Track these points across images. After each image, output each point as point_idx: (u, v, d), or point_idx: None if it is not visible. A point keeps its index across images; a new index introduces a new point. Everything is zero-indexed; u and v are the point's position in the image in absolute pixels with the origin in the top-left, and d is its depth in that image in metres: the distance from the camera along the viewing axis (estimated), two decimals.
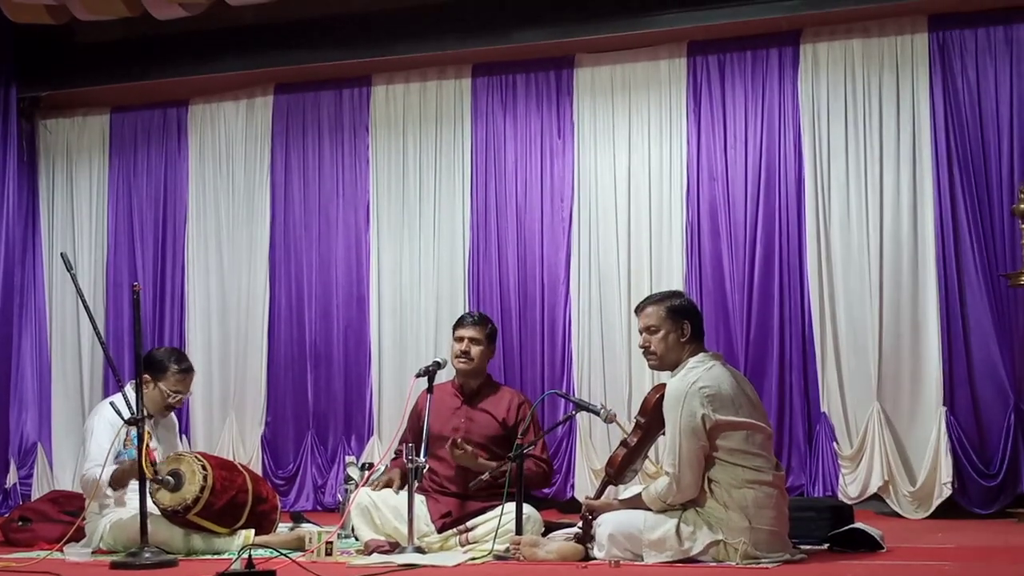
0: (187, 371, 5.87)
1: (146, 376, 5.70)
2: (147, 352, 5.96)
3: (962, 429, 6.98)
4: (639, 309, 5.02)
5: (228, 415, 8.39)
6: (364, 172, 8.30)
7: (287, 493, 8.06)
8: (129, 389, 5.34)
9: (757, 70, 7.55)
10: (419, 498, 5.35)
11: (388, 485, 5.52)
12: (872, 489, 7.07)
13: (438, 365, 5.57)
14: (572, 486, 7.62)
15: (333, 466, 8.07)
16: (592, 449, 7.59)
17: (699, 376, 4.74)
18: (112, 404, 5.46)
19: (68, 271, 5.39)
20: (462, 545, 5.30)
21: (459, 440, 5.39)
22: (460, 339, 5.65)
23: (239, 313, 8.45)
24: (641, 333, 4.98)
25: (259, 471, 7.91)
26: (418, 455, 5.18)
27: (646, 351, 4.95)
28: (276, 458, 8.28)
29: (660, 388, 4.86)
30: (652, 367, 5.03)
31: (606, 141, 7.83)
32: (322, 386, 8.25)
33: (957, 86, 7.17)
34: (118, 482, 5.50)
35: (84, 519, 5.63)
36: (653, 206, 7.68)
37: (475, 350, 5.62)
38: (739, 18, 7.38)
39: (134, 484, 5.39)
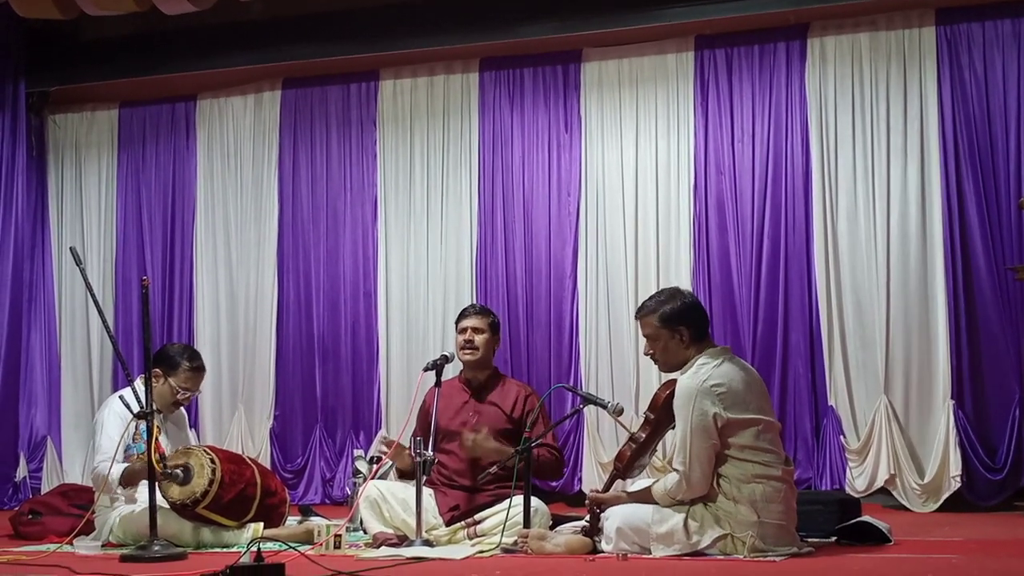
0: (198, 369, 5.87)
1: (157, 370, 5.71)
2: (160, 347, 5.98)
3: (968, 422, 6.98)
4: (637, 316, 5.05)
5: (237, 409, 8.41)
6: (372, 167, 8.31)
7: (295, 486, 8.08)
8: (139, 383, 5.37)
9: (764, 64, 7.55)
10: (427, 491, 5.36)
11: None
12: (879, 483, 7.07)
13: (446, 359, 5.59)
14: (580, 479, 7.63)
15: (341, 459, 8.08)
16: (600, 443, 7.60)
17: (709, 374, 4.74)
18: (121, 397, 5.47)
19: (77, 266, 5.40)
20: (470, 538, 5.30)
21: (472, 432, 5.42)
22: (463, 330, 5.65)
23: (247, 307, 8.46)
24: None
25: (267, 465, 7.91)
26: (426, 449, 5.20)
27: (652, 357, 4.97)
28: (284, 452, 8.30)
29: (670, 384, 4.87)
30: (661, 370, 5.04)
31: (613, 135, 7.83)
32: (330, 380, 8.26)
33: (965, 79, 7.16)
34: (129, 481, 5.51)
35: (94, 512, 5.64)
36: (660, 200, 7.68)
37: (479, 339, 5.61)
38: (746, 12, 7.38)
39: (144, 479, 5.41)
